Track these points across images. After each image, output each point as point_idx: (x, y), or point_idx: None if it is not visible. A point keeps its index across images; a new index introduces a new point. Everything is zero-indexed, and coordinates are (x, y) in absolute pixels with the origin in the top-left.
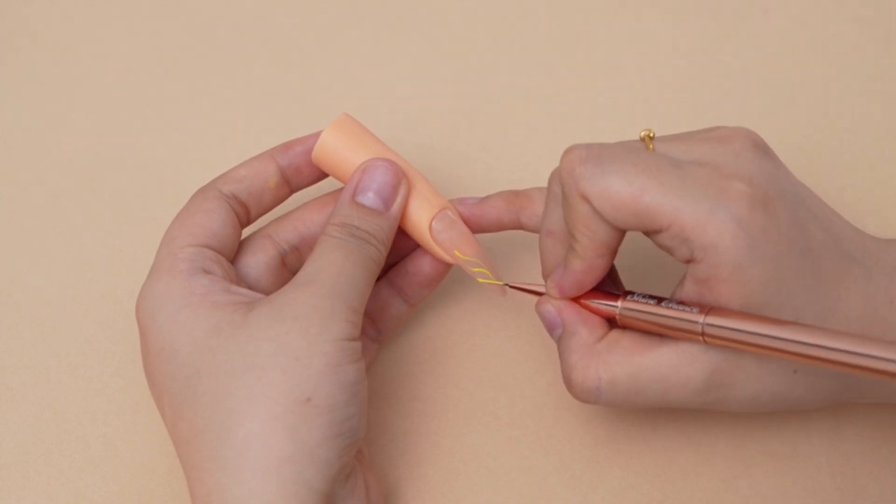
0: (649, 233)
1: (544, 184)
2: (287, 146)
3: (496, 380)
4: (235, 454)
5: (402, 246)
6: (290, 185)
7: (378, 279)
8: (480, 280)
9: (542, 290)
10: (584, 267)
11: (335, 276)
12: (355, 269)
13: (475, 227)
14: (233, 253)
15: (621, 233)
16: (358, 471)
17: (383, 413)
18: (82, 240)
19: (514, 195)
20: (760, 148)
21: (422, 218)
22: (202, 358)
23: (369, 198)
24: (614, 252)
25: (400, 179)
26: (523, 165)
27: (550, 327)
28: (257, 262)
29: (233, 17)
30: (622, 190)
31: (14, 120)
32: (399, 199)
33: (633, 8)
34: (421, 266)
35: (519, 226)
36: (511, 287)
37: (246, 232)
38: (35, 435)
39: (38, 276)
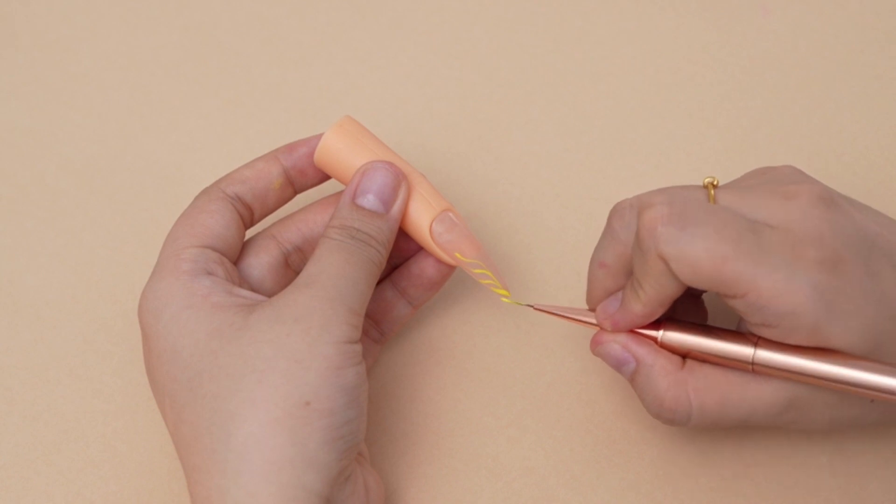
0: (722, 296)
1: (543, 184)
2: (291, 147)
3: (496, 380)
4: (235, 457)
5: (406, 248)
6: (294, 186)
7: (381, 280)
8: (482, 282)
9: (572, 314)
10: (645, 313)
11: (335, 278)
12: (356, 272)
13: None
14: (236, 254)
15: (686, 288)
16: (358, 473)
17: (384, 413)
18: (82, 240)
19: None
20: (826, 201)
21: (422, 220)
22: (203, 360)
23: (369, 200)
24: (674, 301)
25: (400, 181)
26: (523, 165)
27: (619, 363)
28: (260, 262)
29: (234, 17)
30: (704, 257)
31: (14, 120)
32: (399, 201)
33: (634, 8)
34: (424, 268)
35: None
36: (537, 309)
37: (250, 233)
38: (34, 435)
39: (38, 276)
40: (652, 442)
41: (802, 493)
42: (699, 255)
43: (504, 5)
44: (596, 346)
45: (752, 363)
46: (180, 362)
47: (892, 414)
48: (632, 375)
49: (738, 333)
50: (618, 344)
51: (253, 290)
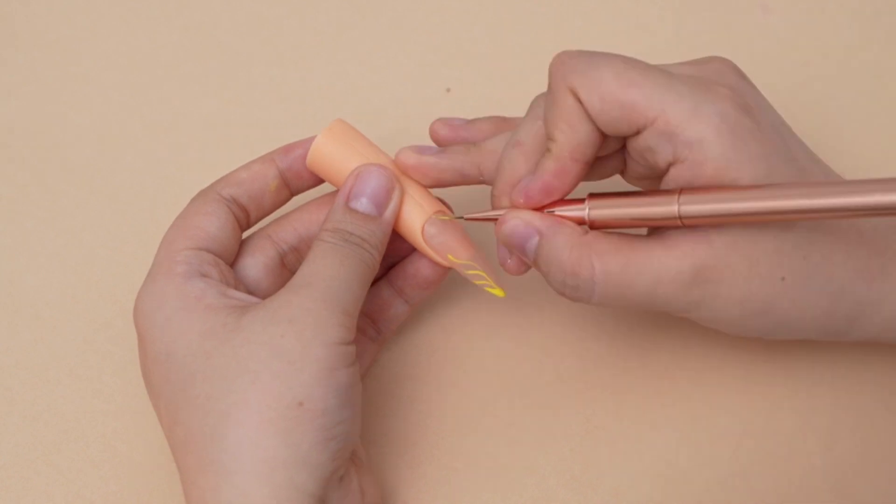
0: (631, 137)
1: None
2: (287, 149)
3: (496, 380)
4: (228, 458)
5: (402, 247)
6: (290, 188)
7: (378, 279)
8: (476, 283)
9: (494, 213)
10: (557, 169)
11: (329, 279)
12: (349, 274)
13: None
14: (232, 256)
15: (601, 138)
16: (352, 474)
17: (383, 414)
18: (82, 240)
19: (503, 120)
20: (739, 72)
21: (415, 222)
22: (197, 361)
23: (363, 203)
24: (589, 161)
25: (393, 184)
26: None
27: (523, 239)
28: (256, 262)
29: (234, 17)
30: (612, 81)
31: (14, 120)
32: (392, 205)
33: (634, 8)
34: (420, 268)
35: None
36: (467, 219)
37: (246, 235)
38: (34, 435)
39: (38, 276)
40: (652, 443)
41: (797, 494)
42: (607, 79)
43: (504, 5)
44: (499, 228)
45: (679, 216)
46: (174, 364)
47: (803, 311)
48: (535, 252)
49: (660, 191)
50: (519, 220)
51: (249, 290)
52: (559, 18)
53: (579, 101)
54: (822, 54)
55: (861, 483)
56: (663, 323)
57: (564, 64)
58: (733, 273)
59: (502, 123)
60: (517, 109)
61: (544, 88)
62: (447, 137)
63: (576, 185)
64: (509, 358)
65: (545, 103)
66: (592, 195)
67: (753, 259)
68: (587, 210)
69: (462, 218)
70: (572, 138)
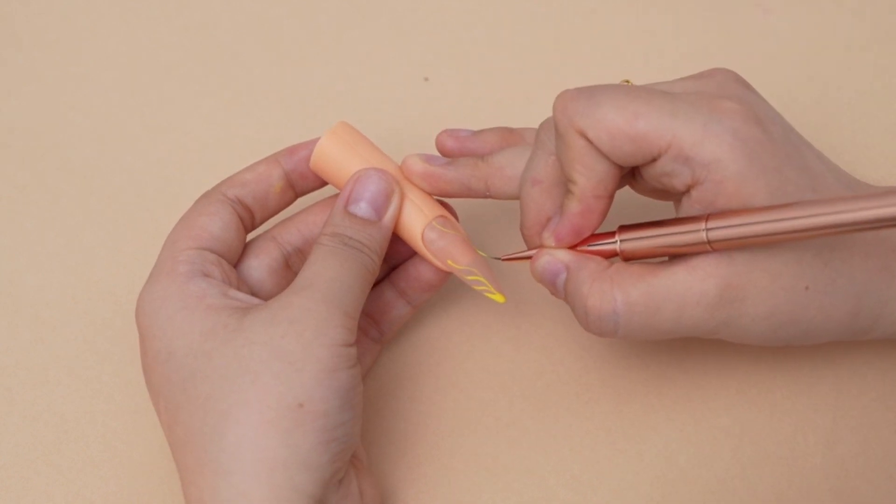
0: (647, 165)
1: None
2: (292, 150)
3: (496, 380)
4: (228, 458)
5: (404, 249)
6: (294, 189)
7: (381, 281)
8: (476, 288)
9: (529, 252)
10: (583, 209)
11: (330, 281)
12: (350, 276)
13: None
14: (236, 256)
15: (619, 170)
16: (352, 476)
17: (383, 414)
18: (82, 240)
19: (509, 132)
20: (742, 82)
21: (415, 227)
22: (197, 361)
23: (362, 208)
24: (612, 194)
25: (393, 189)
26: None
27: (553, 276)
28: (260, 263)
29: (234, 17)
30: (617, 117)
31: (14, 120)
32: (392, 209)
33: (633, 8)
34: (422, 271)
35: None
36: (504, 259)
37: (251, 236)
38: (34, 435)
39: (38, 276)
40: (652, 443)
41: (797, 494)
42: (613, 116)
43: (504, 5)
44: (532, 266)
45: (708, 240)
46: (175, 363)
47: (829, 316)
48: (564, 288)
49: (687, 218)
50: (549, 256)
51: (253, 291)
52: (561, 20)
53: (589, 141)
54: (822, 54)
55: (861, 483)
56: None
57: (567, 107)
58: (757, 288)
59: (508, 135)
60: (519, 111)
61: (548, 89)
62: (453, 149)
63: (603, 219)
64: (509, 358)
65: (557, 147)
66: (623, 227)
67: (775, 272)
68: (618, 242)
69: (499, 258)
70: (591, 178)
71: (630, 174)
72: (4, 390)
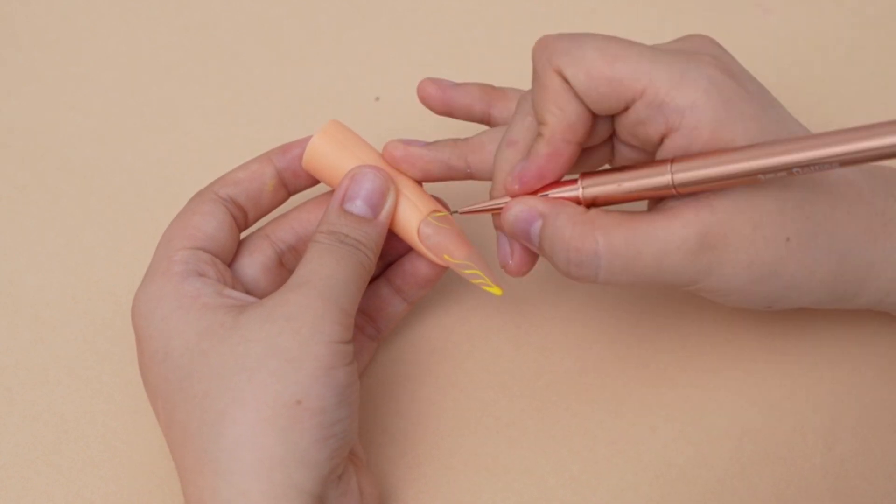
0: (620, 114)
1: None
2: (284, 148)
3: (496, 380)
4: (226, 456)
5: (399, 245)
6: (287, 187)
7: (376, 278)
8: (474, 282)
9: (491, 204)
10: (550, 152)
11: (326, 278)
12: (346, 273)
13: (445, 110)
14: (230, 255)
15: (591, 118)
16: (350, 472)
17: (382, 413)
18: (82, 240)
19: (491, 88)
20: (718, 45)
21: (410, 223)
22: (194, 360)
23: (357, 205)
24: (581, 142)
25: (388, 186)
26: None
27: (527, 224)
28: (254, 262)
29: (234, 17)
30: (596, 57)
31: (14, 120)
32: (387, 206)
33: (633, 8)
34: (418, 267)
35: (488, 120)
36: (463, 213)
37: (245, 235)
38: (34, 435)
39: (38, 276)
40: (651, 443)
41: (796, 494)
42: (592, 56)
43: (504, 5)
44: (504, 216)
45: (673, 184)
46: (171, 363)
47: (810, 273)
48: (540, 235)
49: (652, 161)
50: (522, 205)
51: (248, 290)
52: (561, 20)
53: (566, 81)
54: (822, 54)
55: (860, 483)
56: (663, 322)
57: (547, 46)
58: (738, 236)
59: (491, 91)
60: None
61: None
62: (435, 96)
63: (569, 167)
64: (509, 358)
65: (532, 87)
66: (585, 174)
67: (757, 221)
68: (580, 189)
69: (457, 212)
70: (563, 119)
71: (607, 149)
72: (4, 390)
